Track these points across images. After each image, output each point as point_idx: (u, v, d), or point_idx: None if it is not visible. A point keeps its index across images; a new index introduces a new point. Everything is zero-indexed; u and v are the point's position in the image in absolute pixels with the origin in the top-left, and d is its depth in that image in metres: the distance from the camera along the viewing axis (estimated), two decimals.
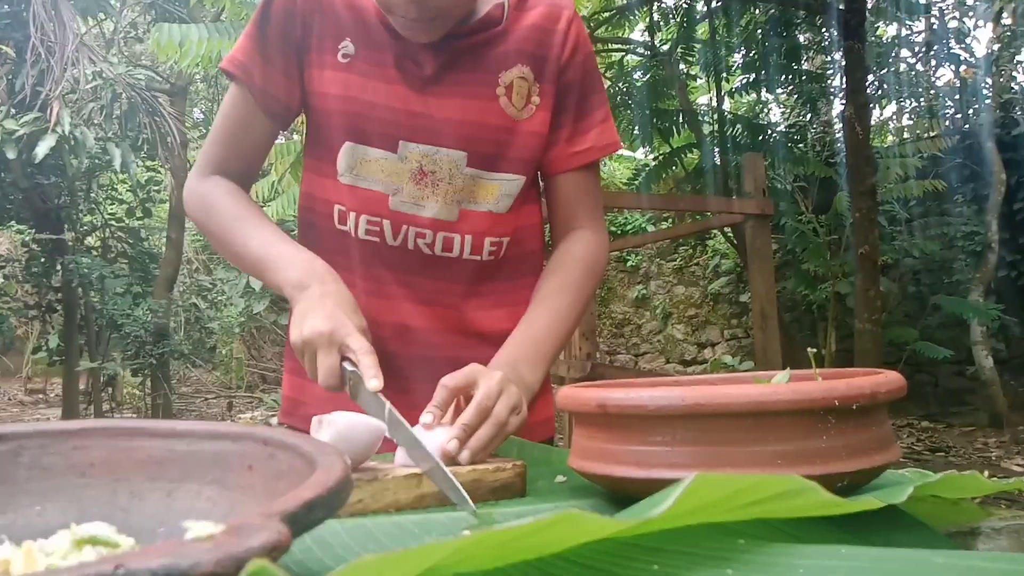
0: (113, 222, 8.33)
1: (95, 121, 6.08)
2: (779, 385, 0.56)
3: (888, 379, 0.60)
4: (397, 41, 1.02)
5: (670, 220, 8.03)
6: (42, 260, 7.52)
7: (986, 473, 0.65)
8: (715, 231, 7.55)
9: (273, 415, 8.29)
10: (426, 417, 0.80)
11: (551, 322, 1.05)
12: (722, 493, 0.40)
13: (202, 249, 11.62)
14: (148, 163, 7.96)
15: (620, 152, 10.34)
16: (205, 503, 0.48)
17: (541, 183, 1.19)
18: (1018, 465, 5.21)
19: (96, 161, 6.95)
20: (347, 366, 0.86)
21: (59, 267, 7.13)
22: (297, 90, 1.08)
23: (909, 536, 0.53)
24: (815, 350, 0.72)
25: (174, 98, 7.49)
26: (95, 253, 8.10)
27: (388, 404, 0.78)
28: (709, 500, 0.41)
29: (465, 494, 0.67)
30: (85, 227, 8.18)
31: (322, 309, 0.90)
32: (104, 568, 0.26)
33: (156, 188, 8.74)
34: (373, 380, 0.82)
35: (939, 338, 6.30)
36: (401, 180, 1.05)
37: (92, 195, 7.88)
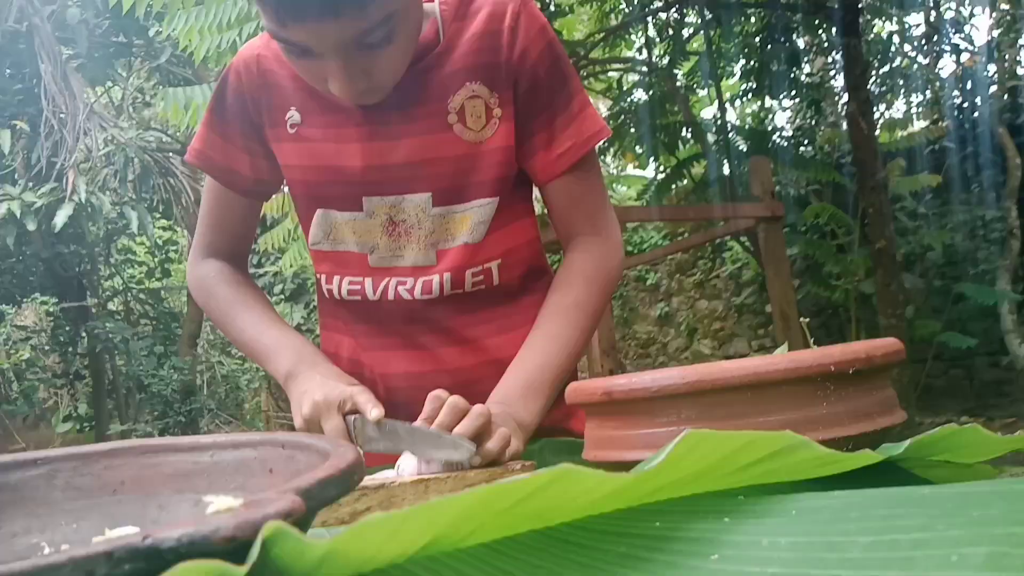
0: (134, 285, 8.48)
1: (110, 186, 6.21)
2: (776, 356, 0.58)
3: (884, 343, 0.61)
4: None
5: (684, 235, 8.03)
6: (67, 328, 7.65)
7: None
8: (731, 242, 7.55)
9: None
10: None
11: (546, 350, 1.00)
12: (716, 451, 0.42)
13: None
14: (164, 222, 8.11)
15: (629, 172, 10.38)
16: None
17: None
18: None
19: (113, 226, 7.10)
20: (350, 419, 0.89)
21: (84, 333, 7.24)
22: (264, 163, 1.08)
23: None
24: (807, 319, 0.73)
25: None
26: (118, 317, 8.24)
27: (390, 422, 0.81)
28: (705, 463, 0.43)
29: (466, 442, 0.74)
30: (107, 292, 8.32)
31: (312, 384, 0.95)
32: (133, 540, 0.29)
33: (174, 248, 8.90)
34: (373, 410, 0.85)
35: (970, 330, 6.22)
36: (374, 237, 1.03)
37: (111, 260, 8.03)
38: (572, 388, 0.69)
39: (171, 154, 6.72)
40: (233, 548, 0.29)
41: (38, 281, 7.50)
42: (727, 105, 6.95)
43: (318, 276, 1.10)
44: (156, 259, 8.47)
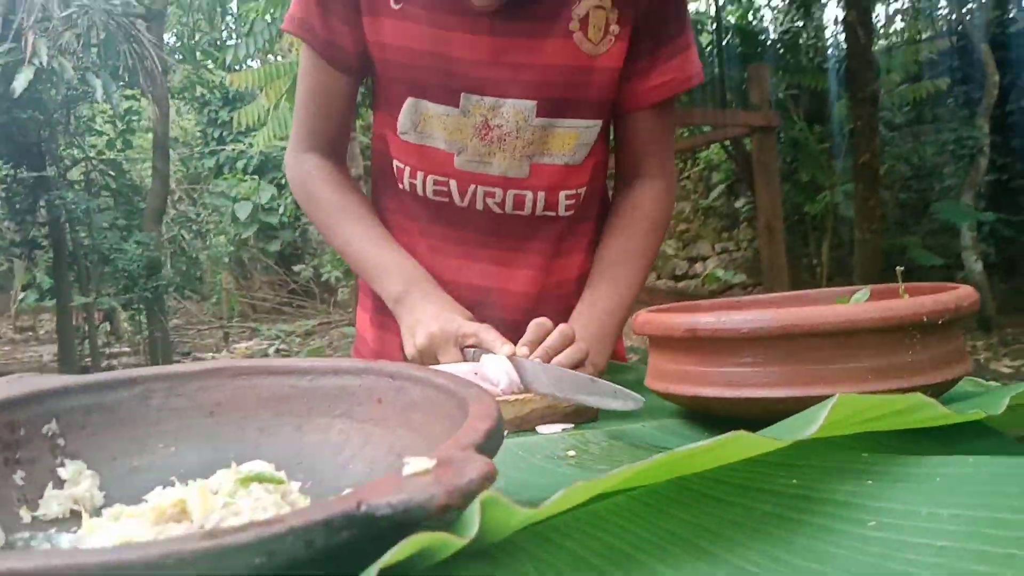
0: (94, 155, 8.19)
1: (72, 51, 5.91)
2: (869, 304, 0.58)
3: (967, 294, 0.62)
4: None
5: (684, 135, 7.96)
6: (24, 196, 7.40)
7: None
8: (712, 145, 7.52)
9: (271, 344, 8.33)
10: (522, 350, 0.81)
11: (614, 296, 1.00)
12: (855, 412, 0.42)
13: (185, 179, 11.48)
14: (127, 92, 7.79)
15: None
16: (337, 436, 0.49)
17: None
18: (1006, 366, 5.34)
19: (73, 92, 6.79)
20: (468, 352, 0.87)
21: (43, 203, 7.03)
22: (363, 37, 1.00)
23: (988, 443, 0.55)
24: (902, 268, 0.73)
25: (151, 23, 7.27)
26: (78, 187, 7.99)
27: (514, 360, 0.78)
28: (839, 417, 0.43)
29: (625, 389, 0.70)
30: (67, 161, 8.03)
31: (427, 314, 0.92)
32: (348, 505, 0.28)
33: (136, 118, 8.58)
34: (504, 347, 0.82)
35: (929, 244, 6.36)
36: (465, 137, 0.98)
37: (71, 128, 7.72)
38: (645, 320, 0.68)
39: (137, 19, 6.39)
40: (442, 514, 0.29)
41: None
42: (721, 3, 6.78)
43: (399, 168, 1.04)
44: (117, 129, 8.16)
